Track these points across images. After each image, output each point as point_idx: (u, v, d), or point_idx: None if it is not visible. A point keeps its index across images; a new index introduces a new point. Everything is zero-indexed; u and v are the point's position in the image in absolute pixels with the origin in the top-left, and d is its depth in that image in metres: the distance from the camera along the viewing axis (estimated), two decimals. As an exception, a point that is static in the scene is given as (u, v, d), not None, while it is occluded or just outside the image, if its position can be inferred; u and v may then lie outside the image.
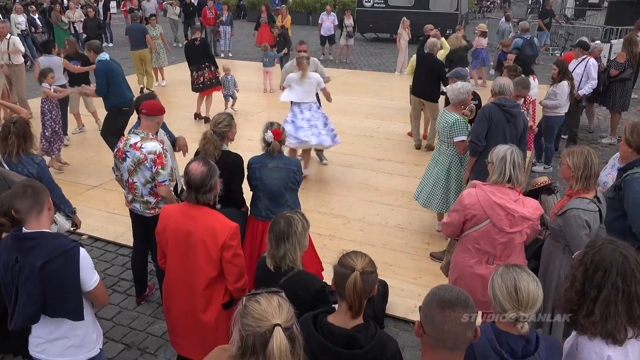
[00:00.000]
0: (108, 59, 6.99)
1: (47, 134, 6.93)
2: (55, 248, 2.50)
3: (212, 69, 9.23)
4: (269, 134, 3.94)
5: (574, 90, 7.22)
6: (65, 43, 8.59)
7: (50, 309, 2.55)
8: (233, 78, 9.76)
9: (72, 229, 4.30)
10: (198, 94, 9.41)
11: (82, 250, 2.57)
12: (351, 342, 2.10)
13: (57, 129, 6.99)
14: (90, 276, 2.60)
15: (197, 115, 9.58)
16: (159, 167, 3.83)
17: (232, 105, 9.94)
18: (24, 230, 2.56)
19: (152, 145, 3.84)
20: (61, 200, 4.05)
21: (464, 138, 5.02)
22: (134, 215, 4.19)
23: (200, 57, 9.13)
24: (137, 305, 4.52)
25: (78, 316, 2.59)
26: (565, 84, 6.91)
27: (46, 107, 6.93)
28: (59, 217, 4.00)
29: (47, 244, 2.51)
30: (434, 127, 8.04)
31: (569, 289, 2.21)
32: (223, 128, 3.95)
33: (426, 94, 7.89)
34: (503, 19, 14.50)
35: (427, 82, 7.82)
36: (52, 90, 7.02)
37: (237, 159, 4.01)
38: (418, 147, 8.18)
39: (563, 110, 7.08)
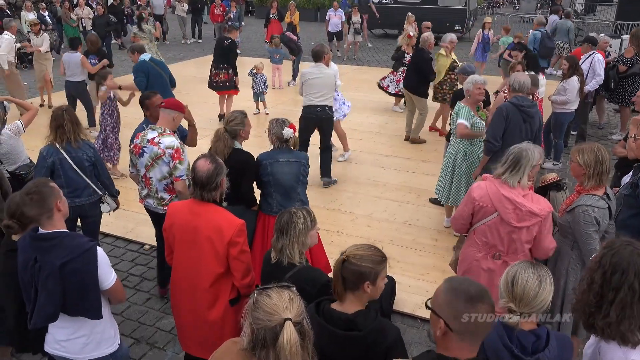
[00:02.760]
0: (147, 59, 7.01)
1: (102, 136, 6.69)
2: (74, 248, 2.51)
3: (230, 72, 8.96)
4: (289, 130, 3.93)
5: (583, 86, 7.18)
6: (87, 41, 8.57)
7: (70, 308, 2.57)
8: (264, 77, 9.46)
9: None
10: (219, 95, 9.29)
11: (99, 249, 2.60)
12: (350, 326, 2.13)
13: (115, 135, 6.77)
14: (107, 275, 2.62)
15: (222, 117, 9.38)
16: (177, 161, 3.85)
17: (264, 107, 9.70)
18: (40, 231, 2.57)
19: (169, 140, 3.86)
20: (110, 181, 4.44)
21: (462, 121, 5.01)
22: (149, 211, 4.23)
23: (222, 57, 8.91)
24: (147, 300, 4.56)
25: (97, 315, 2.62)
26: (575, 79, 6.83)
27: (105, 111, 6.74)
28: (108, 198, 4.37)
29: (66, 243, 2.52)
30: (419, 121, 8.15)
31: (587, 292, 2.15)
32: (235, 126, 3.94)
33: (413, 88, 8.07)
34: (562, 17, 12.89)
35: (414, 77, 8.01)
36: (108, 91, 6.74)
37: (248, 157, 3.97)
38: (407, 138, 8.32)
39: (573, 106, 7.01)
